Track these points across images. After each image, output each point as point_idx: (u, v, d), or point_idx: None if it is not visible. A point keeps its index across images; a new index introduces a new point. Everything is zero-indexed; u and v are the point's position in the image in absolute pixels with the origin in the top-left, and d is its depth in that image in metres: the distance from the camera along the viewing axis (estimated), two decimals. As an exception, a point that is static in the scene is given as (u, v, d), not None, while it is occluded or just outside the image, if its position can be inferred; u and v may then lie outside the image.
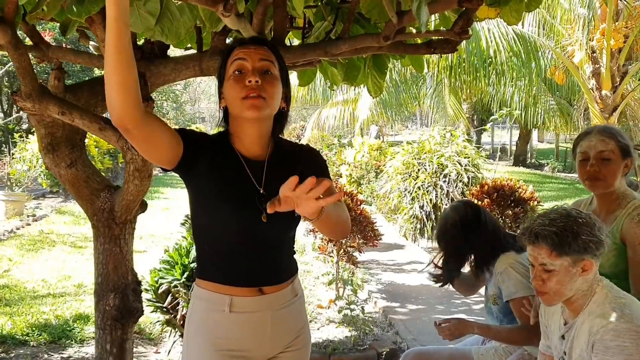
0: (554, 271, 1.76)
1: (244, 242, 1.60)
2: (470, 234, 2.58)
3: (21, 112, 16.26)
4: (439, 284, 2.78)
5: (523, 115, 13.68)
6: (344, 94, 15.25)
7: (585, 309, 1.81)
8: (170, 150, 1.51)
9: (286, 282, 1.67)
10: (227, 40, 2.26)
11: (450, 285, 2.77)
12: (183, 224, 4.15)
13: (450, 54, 8.90)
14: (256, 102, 1.51)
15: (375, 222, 5.37)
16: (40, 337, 4.23)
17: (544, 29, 10.01)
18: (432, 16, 2.54)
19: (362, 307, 4.63)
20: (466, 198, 5.06)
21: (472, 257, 2.65)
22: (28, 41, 2.30)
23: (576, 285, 1.78)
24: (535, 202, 5.56)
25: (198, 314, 1.64)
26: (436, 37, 2.26)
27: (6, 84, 19.15)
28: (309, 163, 1.67)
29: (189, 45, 2.68)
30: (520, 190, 5.53)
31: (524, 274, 2.39)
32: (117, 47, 1.29)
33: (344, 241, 5.27)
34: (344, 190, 5.46)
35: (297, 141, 17.78)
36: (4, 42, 1.76)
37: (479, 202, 4.97)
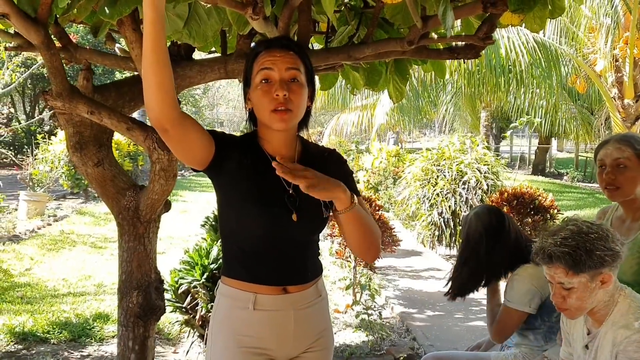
0: (572, 288, 1.75)
1: (272, 241, 1.62)
2: (495, 244, 2.47)
3: (43, 114, 16.53)
4: (449, 297, 2.62)
5: (543, 123, 13.58)
6: (362, 100, 15.26)
7: (608, 318, 1.80)
8: (203, 150, 1.54)
9: (310, 283, 1.69)
10: (252, 44, 2.29)
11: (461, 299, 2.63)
12: (203, 226, 4.18)
13: (470, 61, 8.89)
14: (284, 116, 1.55)
15: (394, 228, 5.37)
16: (60, 335, 4.28)
17: (565, 37, 9.95)
18: (455, 22, 2.56)
19: (380, 313, 4.62)
20: (488, 204, 5.01)
21: (492, 266, 2.52)
22: (57, 43, 2.35)
23: (597, 298, 1.77)
24: (555, 211, 5.52)
25: (222, 311, 1.66)
26: (459, 43, 2.27)
27: (29, 86, 19.51)
28: (335, 169, 1.68)
29: (213, 49, 2.73)
30: (540, 198, 5.50)
31: (531, 291, 2.37)
32: (154, 49, 1.34)
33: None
34: (362, 195, 5.47)
35: (316, 147, 17.82)
36: (37, 42, 1.80)
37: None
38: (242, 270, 1.63)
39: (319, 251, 1.77)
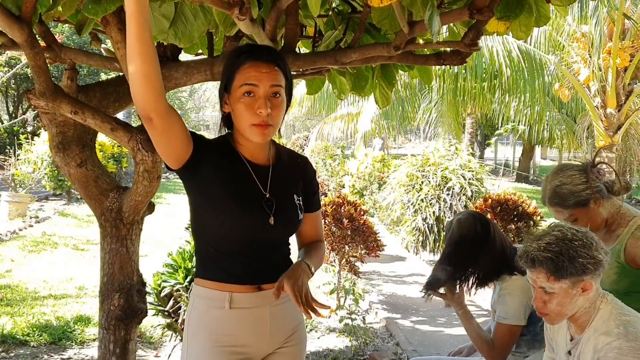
0: (553, 294, 1.77)
1: (248, 243, 1.65)
2: (479, 251, 2.45)
3: (26, 115, 16.36)
4: (425, 292, 2.56)
5: (527, 131, 13.70)
6: (349, 106, 15.30)
7: (590, 325, 1.81)
8: (182, 148, 1.56)
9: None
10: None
11: (432, 295, 2.58)
12: (187, 229, 4.16)
13: (455, 67, 8.96)
14: (265, 131, 1.60)
15: (378, 233, 5.38)
16: (40, 338, 4.23)
17: (550, 46, 10.05)
18: (442, 29, 2.57)
19: (363, 317, 4.62)
20: (473, 210, 5.00)
21: (475, 274, 2.49)
22: (42, 42, 2.33)
23: (577, 304, 1.78)
24: (539, 217, 5.56)
25: (198, 312, 1.67)
26: (446, 49, 2.28)
27: (13, 86, 19.29)
28: (305, 174, 1.81)
29: (200, 51, 2.71)
30: (523, 204, 5.54)
31: (523, 303, 2.37)
32: (138, 40, 1.35)
33: (346, 251, 5.28)
34: (347, 200, 5.47)
35: (301, 151, 17.80)
36: (20, 40, 1.78)
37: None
38: (218, 270, 1.66)
39: (290, 250, 1.80)
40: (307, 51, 2.71)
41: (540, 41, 9.84)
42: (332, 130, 16.67)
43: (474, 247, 2.46)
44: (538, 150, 24.70)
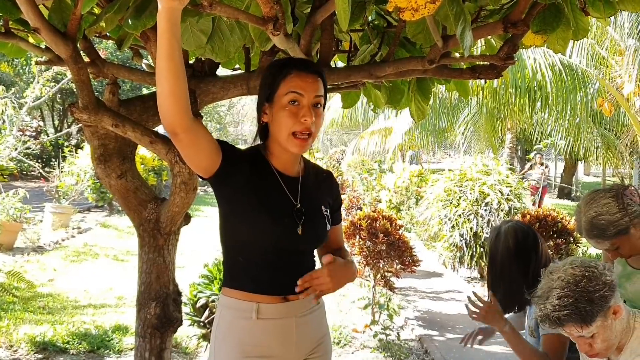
0: (594, 335, 1.75)
1: (278, 253, 1.68)
2: (526, 265, 2.34)
3: (71, 128, 16.85)
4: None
5: (568, 146, 13.40)
6: (386, 120, 15.26)
7: (627, 346, 1.79)
8: (210, 158, 1.59)
9: (309, 291, 1.74)
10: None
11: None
12: (223, 241, 4.21)
13: (495, 81, 8.86)
14: (304, 143, 1.64)
15: (414, 248, 5.34)
16: (80, 346, 4.33)
17: (592, 60, 9.86)
18: (478, 42, 2.56)
19: (398, 333, 4.58)
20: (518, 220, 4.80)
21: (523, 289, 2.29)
22: (86, 58, 2.41)
23: (617, 330, 1.77)
24: (578, 234, 5.43)
25: (226, 322, 1.69)
26: (481, 63, 2.27)
27: (58, 100, 19.93)
28: (332, 187, 1.89)
29: (237, 66, 2.77)
30: (563, 220, 5.43)
31: None
32: (167, 57, 1.39)
33: (381, 265, 5.25)
34: (382, 214, 5.45)
35: (337, 165, 17.77)
36: (65, 55, 1.85)
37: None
38: (246, 280, 1.68)
39: (315, 263, 1.82)
40: (342, 65, 2.74)
41: (581, 54, 9.67)
42: (369, 144, 16.64)
43: (521, 259, 2.37)
44: (580, 166, 24.14)
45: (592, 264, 1.76)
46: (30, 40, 2.30)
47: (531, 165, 15.41)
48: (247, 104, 34.24)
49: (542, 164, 15.07)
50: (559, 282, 1.75)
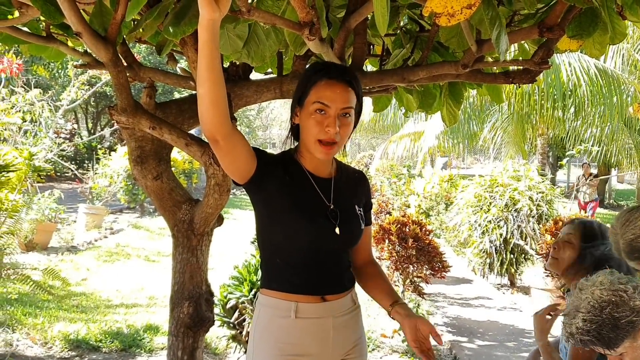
0: (622, 354, 1.71)
1: (315, 253, 1.70)
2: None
3: (104, 131, 17.17)
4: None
5: (601, 153, 13.14)
6: (415, 125, 15.18)
7: None
8: (247, 164, 1.62)
9: (346, 292, 1.78)
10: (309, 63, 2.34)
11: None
12: (253, 243, 4.25)
13: (528, 86, 8.76)
14: (329, 150, 1.65)
15: (444, 254, 5.30)
16: (112, 345, 4.40)
17: (628, 65, 9.67)
18: (511, 47, 2.54)
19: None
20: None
21: None
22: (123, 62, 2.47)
23: None
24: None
25: (264, 321, 1.72)
26: (515, 67, 2.26)
27: (92, 103, 20.34)
28: (364, 188, 1.89)
29: (269, 70, 2.80)
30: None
31: None
32: (208, 68, 1.42)
33: (410, 271, 5.23)
34: (412, 219, 5.43)
35: (366, 170, 17.70)
36: (105, 59, 1.90)
37: (552, 239, 4.82)
38: (284, 281, 1.70)
39: (350, 262, 1.85)
40: (375, 69, 2.75)
41: (616, 59, 9.49)
42: (397, 149, 16.56)
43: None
44: (614, 173, 23.63)
45: (622, 287, 1.69)
46: (69, 44, 2.36)
47: (581, 179, 13.48)
48: (276, 108, 34.46)
49: (590, 174, 13.66)
50: (585, 304, 1.70)
